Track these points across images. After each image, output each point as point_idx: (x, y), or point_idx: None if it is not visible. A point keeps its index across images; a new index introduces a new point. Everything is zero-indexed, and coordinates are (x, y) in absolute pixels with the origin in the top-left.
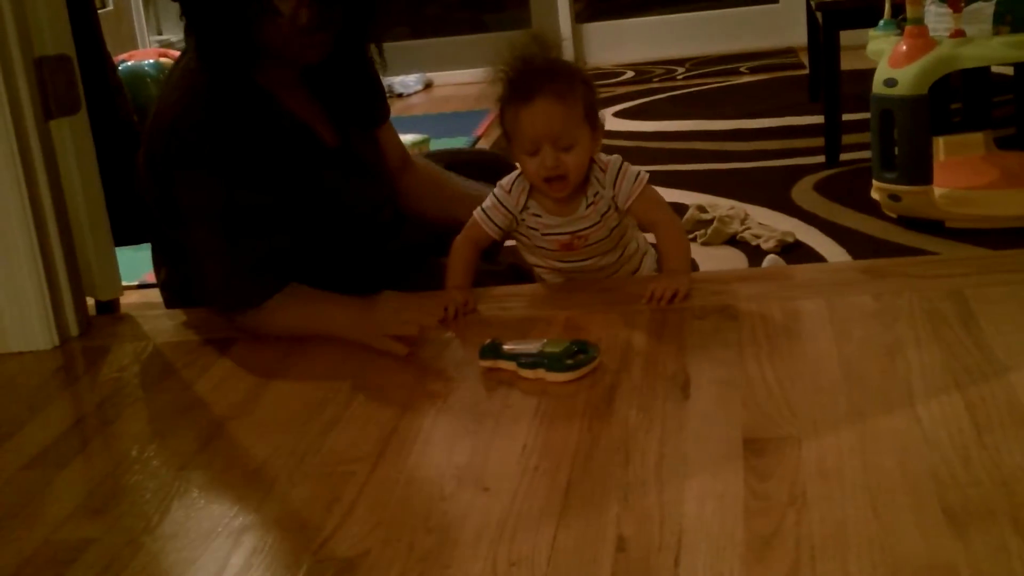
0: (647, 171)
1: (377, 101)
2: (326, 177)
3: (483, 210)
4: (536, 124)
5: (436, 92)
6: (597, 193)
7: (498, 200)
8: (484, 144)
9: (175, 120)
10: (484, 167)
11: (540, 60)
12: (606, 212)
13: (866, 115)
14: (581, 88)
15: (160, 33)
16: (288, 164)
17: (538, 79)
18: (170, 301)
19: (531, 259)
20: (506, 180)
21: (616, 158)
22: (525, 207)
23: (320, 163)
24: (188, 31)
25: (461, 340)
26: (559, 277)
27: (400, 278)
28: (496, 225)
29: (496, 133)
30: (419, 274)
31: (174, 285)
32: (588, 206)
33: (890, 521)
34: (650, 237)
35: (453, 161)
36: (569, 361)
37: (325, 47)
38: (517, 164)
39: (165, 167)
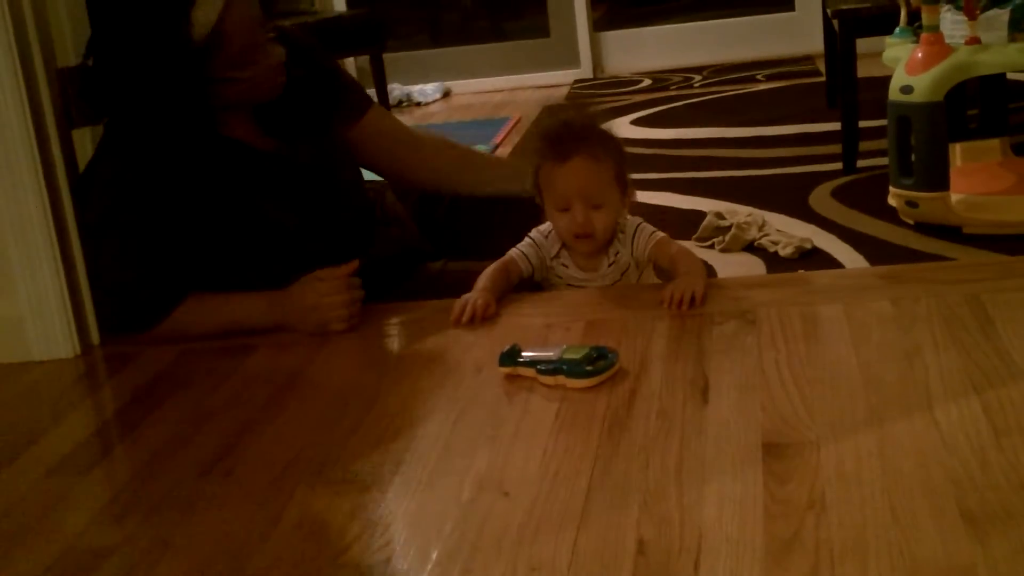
0: (665, 177)
1: (338, 103)
2: (270, 195)
3: (519, 248)
4: (569, 182)
5: (455, 100)
6: (618, 252)
7: (534, 242)
8: (503, 152)
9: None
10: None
11: (578, 122)
12: (626, 270)
13: (883, 122)
14: (613, 152)
15: None
16: (223, 188)
17: (574, 140)
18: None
19: None
20: (544, 227)
21: (634, 220)
22: (556, 256)
23: (260, 181)
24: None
25: (481, 347)
26: None
27: (390, 287)
28: (529, 262)
29: (514, 141)
30: (410, 282)
31: None
32: (610, 265)
33: (909, 524)
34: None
35: None
36: (589, 367)
37: (282, 74)
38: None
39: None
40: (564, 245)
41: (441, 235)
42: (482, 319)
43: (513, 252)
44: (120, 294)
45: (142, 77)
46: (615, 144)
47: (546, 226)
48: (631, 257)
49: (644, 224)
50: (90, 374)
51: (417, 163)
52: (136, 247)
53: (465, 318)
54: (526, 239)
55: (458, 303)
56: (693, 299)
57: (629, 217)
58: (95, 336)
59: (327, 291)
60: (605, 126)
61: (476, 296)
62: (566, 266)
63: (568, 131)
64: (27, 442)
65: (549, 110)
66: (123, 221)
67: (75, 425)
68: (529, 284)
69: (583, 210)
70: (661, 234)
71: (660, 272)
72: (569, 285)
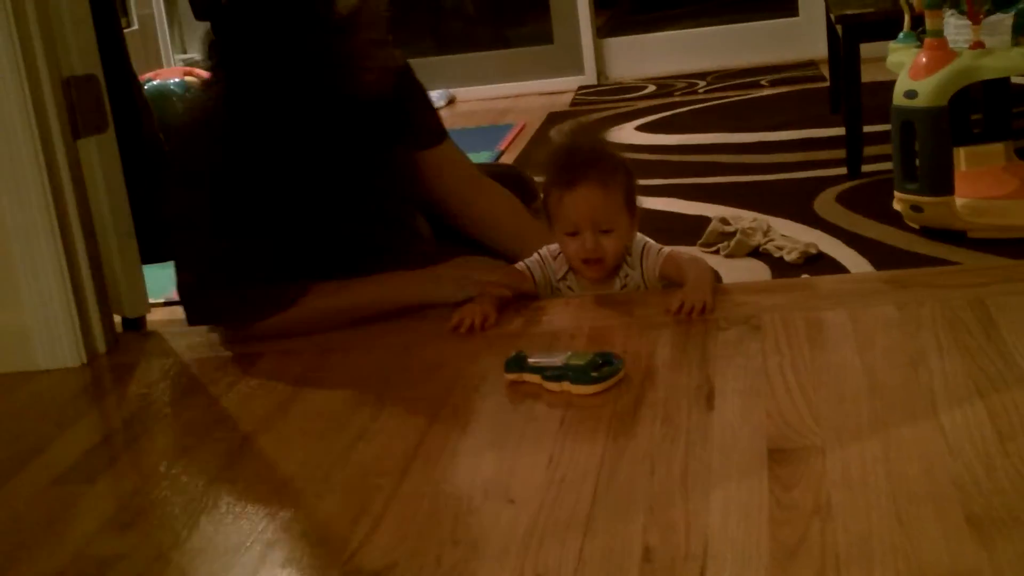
0: (669, 183)
1: (412, 128)
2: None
3: (526, 263)
4: (578, 209)
5: (459, 107)
6: (628, 275)
7: (541, 259)
8: (507, 159)
9: (196, 133)
10: (507, 183)
11: (586, 147)
12: (637, 289)
13: (887, 127)
14: (622, 177)
15: (185, 51)
16: (300, 180)
17: (582, 166)
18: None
19: None
20: (554, 247)
21: (639, 239)
22: (563, 278)
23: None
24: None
25: (486, 353)
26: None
27: None
28: (534, 277)
29: (519, 148)
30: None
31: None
32: (621, 287)
33: (914, 529)
34: None
35: None
36: (594, 373)
37: (394, 78)
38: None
39: (185, 177)
40: (572, 268)
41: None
42: (481, 330)
43: (519, 265)
44: (245, 282)
45: (283, 40)
46: (624, 168)
47: (555, 246)
48: (641, 279)
49: (649, 242)
50: (96, 383)
51: (469, 209)
52: (260, 232)
53: (463, 330)
54: (535, 254)
55: (456, 313)
56: (704, 309)
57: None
58: (101, 345)
59: (479, 266)
60: (612, 146)
61: (476, 307)
62: (572, 289)
63: (576, 156)
64: (33, 451)
65: (559, 129)
66: (243, 205)
67: (81, 434)
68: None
69: (592, 236)
70: (667, 249)
71: (669, 278)
72: None
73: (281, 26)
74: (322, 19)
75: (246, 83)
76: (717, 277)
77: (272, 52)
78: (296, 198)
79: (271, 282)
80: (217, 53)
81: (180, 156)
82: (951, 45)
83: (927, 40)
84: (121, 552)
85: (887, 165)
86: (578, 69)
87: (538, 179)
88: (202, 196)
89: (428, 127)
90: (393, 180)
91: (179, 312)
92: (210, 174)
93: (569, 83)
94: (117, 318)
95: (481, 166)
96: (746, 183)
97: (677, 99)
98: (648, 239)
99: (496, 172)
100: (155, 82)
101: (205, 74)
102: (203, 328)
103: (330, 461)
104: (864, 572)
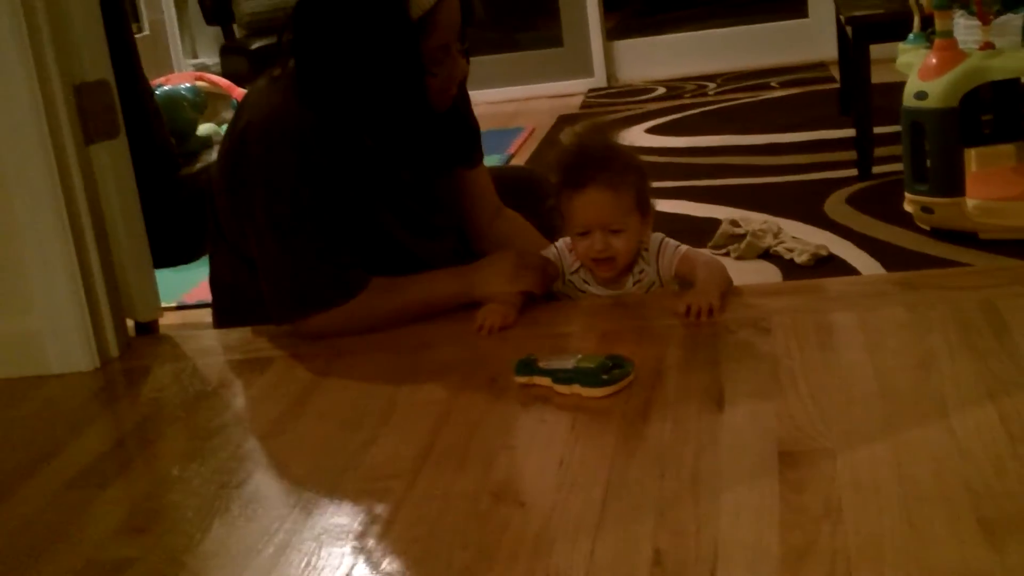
0: (680, 185)
1: (465, 144)
2: (391, 200)
3: (546, 253)
4: (587, 210)
5: None
6: (643, 271)
7: (558, 252)
8: (517, 163)
9: (270, 126)
10: (519, 185)
11: (596, 146)
12: (651, 287)
13: (897, 128)
14: (633, 176)
15: (196, 56)
16: (360, 184)
17: (592, 167)
18: (219, 308)
19: None
20: (569, 239)
21: (657, 236)
22: (576, 271)
23: (389, 188)
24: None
25: (497, 357)
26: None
27: None
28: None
29: (529, 151)
30: None
31: (229, 300)
32: (635, 283)
33: (925, 532)
34: None
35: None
36: (604, 376)
37: (455, 92)
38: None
39: (249, 170)
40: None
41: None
42: (500, 329)
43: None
44: (313, 277)
45: (360, 41)
46: (635, 167)
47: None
48: (656, 275)
49: (667, 239)
50: (109, 387)
51: (488, 231)
52: (331, 228)
53: (485, 332)
54: (551, 248)
55: (479, 314)
56: (711, 311)
57: (652, 233)
58: (114, 349)
59: (524, 258)
60: (624, 146)
61: (498, 308)
62: (587, 282)
63: (585, 157)
64: (46, 455)
65: (570, 131)
66: (317, 200)
67: (94, 438)
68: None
69: (602, 237)
70: (684, 247)
71: (683, 277)
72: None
73: (352, 24)
74: (393, 19)
75: (318, 79)
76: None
77: (344, 50)
78: (357, 200)
79: (341, 271)
80: (290, 46)
81: (256, 151)
82: (961, 46)
83: (937, 41)
84: (134, 556)
85: (897, 166)
86: (588, 72)
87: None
88: (282, 190)
89: (475, 147)
90: (447, 195)
91: (191, 316)
92: (286, 169)
93: (579, 86)
94: (129, 322)
95: (494, 169)
96: (756, 185)
97: (687, 101)
98: (667, 237)
99: (509, 174)
100: (166, 87)
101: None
102: (214, 332)
103: (341, 464)
104: (874, 575)
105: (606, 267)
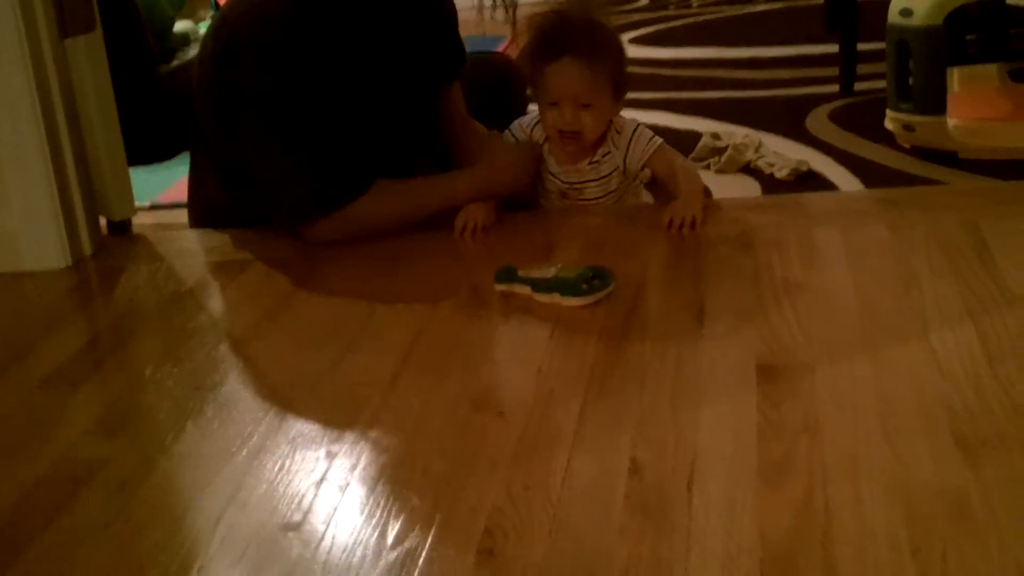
0: (662, 97)
1: (450, 64)
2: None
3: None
4: (560, 80)
5: None
6: (608, 154)
7: (514, 136)
8: None
9: (258, 30)
10: (496, 70)
11: (576, 18)
12: (609, 173)
13: (882, 45)
14: (610, 51)
15: None
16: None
17: (568, 37)
18: (199, 219)
19: (541, 192)
20: (527, 121)
21: (632, 121)
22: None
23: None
24: None
25: (477, 266)
26: None
27: None
28: None
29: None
30: None
31: (216, 203)
32: (590, 163)
33: (902, 448)
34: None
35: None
36: (584, 286)
37: None
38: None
39: (240, 75)
40: (547, 138)
41: None
42: (483, 230)
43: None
44: (314, 180)
45: None
46: (613, 42)
47: (527, 120)
48: (623, 162)
49: (643, 128)
50: (82, 286)
51: (457, 143)
52: (327, 131)
53: (468, 234)
54: (507, 132)
55: (459, 216)
56: (693, 223)
57: (626, 118)
58: (87, 247)
59: (519, 152)
60: (606, 25)
61: (479, 208)
62: (544, 161)
63: (565, 27)
64: (19, 354)
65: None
66: (309, 104)
67: (67, 338)
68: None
69: (571, 109)
70: (659, 140)
71: (653, 187)
72: (543, 175)
73: None
74: None
75: None
76: (707, 192)
77: None
78: (350, 106)
79: (343, 173)
80: None
81: (246, 56)
82: None
83: None
84: (107, 456)
85: (880, 84)
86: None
87: None
88: (273, 87)
89: (459, 66)
90: (432, 111)
91: (166, 216)
92: (280, 72)
93: None
94: (103, 221)
95: (472, 55)
96: (738, 99)
97: (671, 13)
98: (642, 125)
99: (484, 59)
100: None
101: None
102: (190, 233)
103: (318, 370)
104: (851, 488)
105: (571, 141)
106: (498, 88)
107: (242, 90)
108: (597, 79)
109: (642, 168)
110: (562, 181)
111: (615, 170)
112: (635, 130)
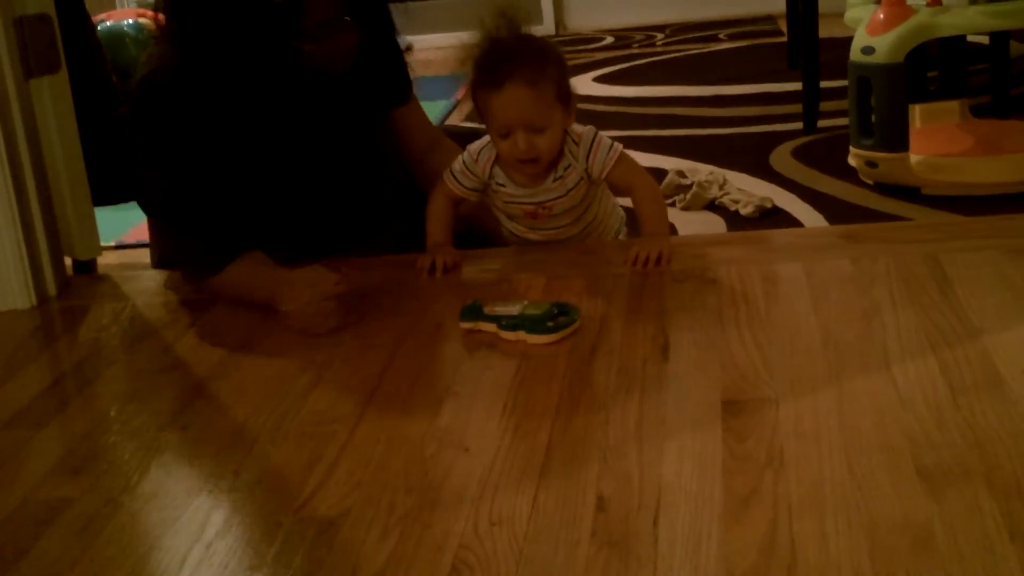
0: (627, 135)
1: (395, 85)
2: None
3: (451, 171)
4: (508, 110)
5: (416, 55)
6: (569, 166)
7: (465, 166)
8: (464, 108)
9: (148, 81)
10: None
11: (510, 40)
12: (576, 184)
13: (844, 82)
14: (552, 68)
15: None
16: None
17: (507, 64)
18: (160, 262)
19: (503, 221)
20: (475, 146)
21: (589, 129)
22: (491, 175)
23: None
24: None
25: (442, 302)
26: (529, 240)
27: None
28: (464, 187)
29: None
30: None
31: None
32: (555, 180)
33: (866, 481)
34: (625, 202)
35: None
36: (550, 323)
37: (352, 57)
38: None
39: (136, 127)
40: (499, 162)
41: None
42: (446, 271)
43: (446, 176)
44: (201, 233)
45: (224, 22)
46: (553, 58)
47: (477, 145)
48: (584, 173)
49: (601, 136)
50: (46, 326)
51: (422, 167)
52: (211, 194)
53: (437, 274)
54: (458, 160)
55: (424, 257)
56: (660, 259)
57: (582, 126)
58: (52, 288)
59: (310, 300)
60: (538, 37)
61: (442, 252)
62: (502, 184)
63: (500, 53)
64: None
65: (480, 24)
66: (201, 160)
67: (31, 378)
68: (486, 240)
69: (525, 137)
70: (619, 148)
71: (615, 189)
72: (507, 203)
73: (227, 18)
74: (263, 4)
75: (198, 42)
76: (671, 230)
77: (219, 22)
78: (250, 159)
79: (222, 239)
80: (169, 6)
81: (141, 109)
82: (909, 2)
83: None
84: (71, 496)
85: (843, 120)
86: (537, 19)
87: None
88: (165, 149)
89: (405, 85)
90: (351, 144)
91: (131, 256)
92: (171, 126)
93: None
94: (68, 261)
95: (448, 130)
96: (703, 136)
97: (635, 51)
98: (600, 133)
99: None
100: (108, 23)
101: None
102: (155, 273)
103: (284, 408)
104: (816, 523)
105: (531, 167)
106: None
107: (139, 144)
108: (544, 100)
109: (606, 178)
110: (529, 203)
111: (580, 180)
112: (594, 139)
